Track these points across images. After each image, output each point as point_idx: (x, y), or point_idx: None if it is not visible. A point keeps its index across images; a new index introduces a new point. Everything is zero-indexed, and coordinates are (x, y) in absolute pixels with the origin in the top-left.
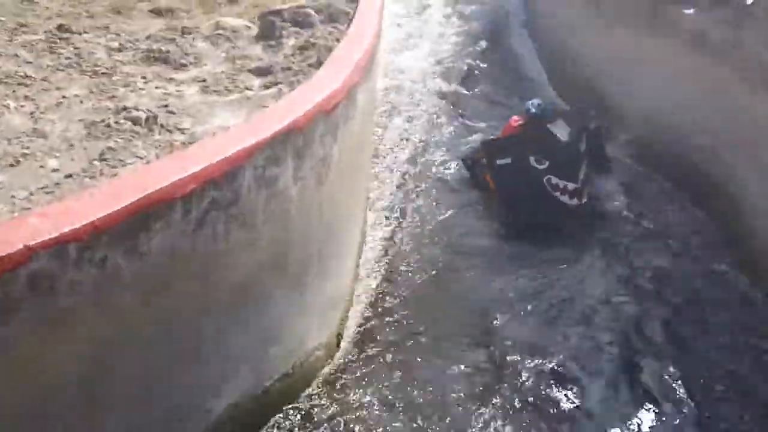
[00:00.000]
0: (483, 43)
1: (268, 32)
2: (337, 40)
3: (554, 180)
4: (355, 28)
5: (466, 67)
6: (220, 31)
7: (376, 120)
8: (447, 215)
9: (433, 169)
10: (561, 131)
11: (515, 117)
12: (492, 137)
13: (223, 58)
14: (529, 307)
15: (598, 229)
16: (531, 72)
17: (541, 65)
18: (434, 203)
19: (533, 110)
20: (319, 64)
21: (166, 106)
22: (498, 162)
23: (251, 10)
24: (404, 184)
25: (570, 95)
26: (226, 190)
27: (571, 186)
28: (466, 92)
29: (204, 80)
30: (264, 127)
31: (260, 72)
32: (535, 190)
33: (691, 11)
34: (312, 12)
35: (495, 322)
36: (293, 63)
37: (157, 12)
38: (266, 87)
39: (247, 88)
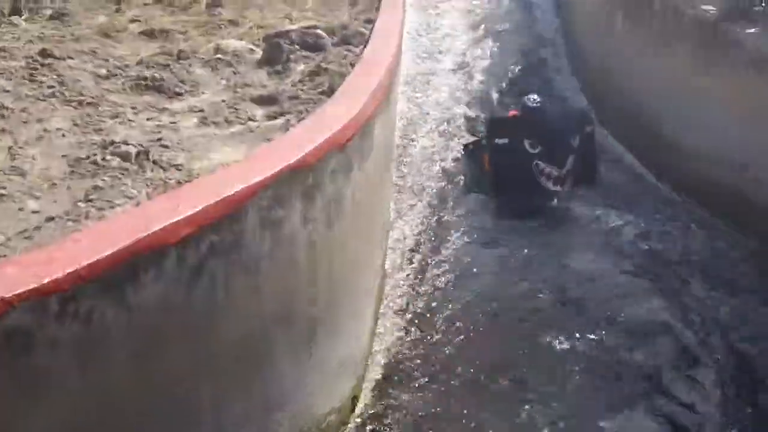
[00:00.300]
0: (512, 65)
1: (273, 56)
2: (352, 65)
3: (542, 165)
4: (372, 51)
5: (492, 90)
6: (221, 56)
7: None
8: (479, 246)
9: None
10: (558, 123)
11: (513, 111)
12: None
13: (224, 86)
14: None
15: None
16: (568, 97)
17: (579, 89)
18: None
19: (530, 105)
20: (331, 91)
21: (159, 139)
22: (497, 141)
23: (255, 31)
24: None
25: (616, 125)
26: (226, 235)
27: (555, 172)
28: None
29: (202, 111)
30: (269, 163)
31: (265, 101)
32: (522, 172)
33: (754, 31)
34: (323, 33)
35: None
36: (302, 91)
37: (150, 34)
38: (271, 118)
39: (250, 120)
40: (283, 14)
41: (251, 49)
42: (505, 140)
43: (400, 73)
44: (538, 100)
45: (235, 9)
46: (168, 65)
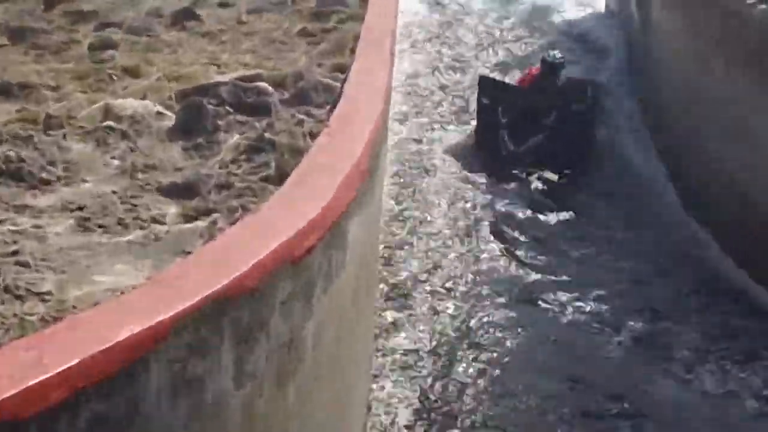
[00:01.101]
0: None
1: (193, 123)
2: (312, 136)
3: (505, 137)
4: (345, 114)
5: None
6: (112, 123)
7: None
8: None
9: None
10: (535, 98)
11: (534, 68)
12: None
13: (116, 169)
14: None
15: None
16: (643, 172)
17: (659, 161)
18: None
19: (549, 59)
20: (279, 177)
21: (14, 254)
22: (482, 100)
23: (165, 84)
24: None
25: (708, 212)
26: (116, 401)
27: (512, 147)
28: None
29: (81, 208)
30: (184, 289)
31: (179, 192)
32: (490, 135)
33: None
34: (268, 87)
35: None
36: (235, 176)
37: (5, 90)
38: (189, 219)
39: (156, 221)
40: (207, 58)
41: (159, 113)
42: (487, 101)
43: (386, 146)
44: (559, 57)
45: (134, 51)
46: (30, 138)
